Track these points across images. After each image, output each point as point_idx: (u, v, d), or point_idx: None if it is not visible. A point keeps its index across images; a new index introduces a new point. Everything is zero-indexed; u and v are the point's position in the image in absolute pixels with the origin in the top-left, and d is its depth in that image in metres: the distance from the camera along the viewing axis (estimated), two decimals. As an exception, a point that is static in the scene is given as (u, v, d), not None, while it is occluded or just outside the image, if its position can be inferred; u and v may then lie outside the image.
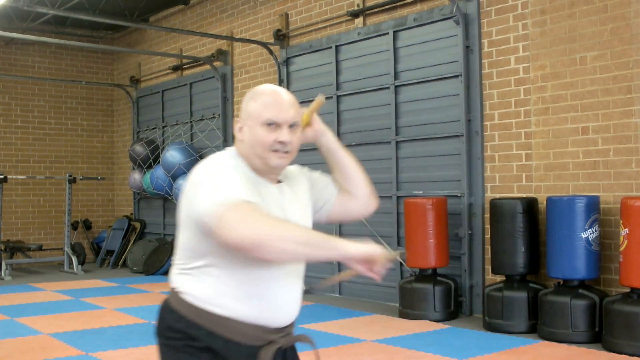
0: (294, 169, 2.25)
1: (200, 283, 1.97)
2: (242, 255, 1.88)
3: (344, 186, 2.26)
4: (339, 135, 8.29)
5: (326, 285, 2.12)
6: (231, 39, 9.68)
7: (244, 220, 1.78)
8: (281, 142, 1.99)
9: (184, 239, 2.03)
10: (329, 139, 2.27)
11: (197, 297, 1.96)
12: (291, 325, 2.11)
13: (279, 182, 2.12)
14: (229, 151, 2.07)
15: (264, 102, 2.03)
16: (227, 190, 1.85)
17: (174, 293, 2.03)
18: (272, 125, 2.00)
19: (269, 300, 1.98)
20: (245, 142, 2.03)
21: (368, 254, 1.83)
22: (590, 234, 5.68)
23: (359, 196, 2.27)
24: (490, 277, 6.67)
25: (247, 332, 1.96)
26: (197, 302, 1.96)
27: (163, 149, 10.94)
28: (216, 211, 1.82)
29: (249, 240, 1.77)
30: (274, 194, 2.04)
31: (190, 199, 1.95)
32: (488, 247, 6.62)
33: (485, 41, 6.86)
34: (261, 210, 1.84)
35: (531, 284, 6.14)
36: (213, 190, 1.86)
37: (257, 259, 1.86)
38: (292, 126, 2.03)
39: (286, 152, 2.02)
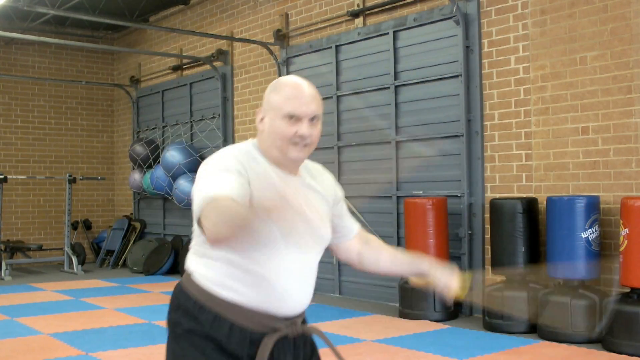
0: (319, 167, 2.28)
1: (210, 265, 2.01)
2: (249, 242, 1.95)
3: (366, 254, 2.33)
4: (339, 135, 8.30)
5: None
6: (231, 39, 9.68)
7: (209, 216, 1.80)
8: (301, 136, 2.01)
9: (195, 225, 2.05)
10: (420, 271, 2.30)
11: (208, 278, 2.01)
12: (300, 316, 2.11)
13: (298, 175, 2.15)
14: (248, 142, 2.12)
15: (286, 94, 2.03)
16: (211, 184, 1.87)
17: (186, 274, 2.09)
18: (293, 118, 2.01)
19: (276, 288, 2.00)
20: (265, 133, 2.06)
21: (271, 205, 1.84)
22: (590, 234, 5.68)
23: (362, 265, 2.36)
24: (490, 277, 6.67)
25: (252, 317, 1.99)
26: (207, 284, 2.01)
27: (163, 149, 10.94)
28: (199, 205, 1.85)
29: (208, 237, 1.80)
30: (295, 184, 2.08)
31: (193, 191, 1.99)
32: (488, 247, 6.62)
33: (485, 41, 6.86)
34: (228, 203, 1.79)
35: (531, 284, 6.14)
36: (202, 185, 1.90)
37: (257, 245, 1.96)
38: (312, 119, 2.04)
39: (305, 145, 2.04)
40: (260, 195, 1.88)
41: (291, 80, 2.08)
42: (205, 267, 2.03)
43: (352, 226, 2.32)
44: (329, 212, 2.20)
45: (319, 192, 2.16)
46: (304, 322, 2.16)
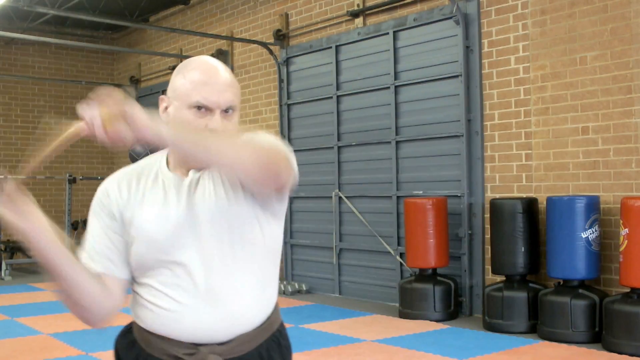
0: None
1: (134, 298, 1.77)
2: (143, 265, 1.68)
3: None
4: (339, 135, 8.30)
5: None
6: (231, 39, 9.68)
7: None
8: (212, 131, 1.62)
9: None
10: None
11: (131, 303, 1.79)
12: (220, 346, 1.66)
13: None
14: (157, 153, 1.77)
15: (194, 79, 1.64)
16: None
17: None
18: (202, 109, 1.63)
19: (173, 311, 1.65)
20: None
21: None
22: (590, 234, 5.67)
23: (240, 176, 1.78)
24: (490, 277, 6.67)
25: (157, 344, 1.69)
26: (130, 307, 1.79)
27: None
28: None
29: None
30: (178, 189, 1.67)
31: None
32: (488, 247, 6.62)
33: (485, 41, 6.86)
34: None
35: (531, 284, 6.14)
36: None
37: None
38: (227, 111, 1.66)
39: None
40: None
41: (202, 62, 1.68)
42: (133, 301, 1.79)
43: None
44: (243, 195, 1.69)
45: (213, 179, 1.68)
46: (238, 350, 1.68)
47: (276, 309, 1.78)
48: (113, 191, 1.70)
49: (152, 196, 1.67)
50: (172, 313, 1.64)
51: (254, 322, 1.68)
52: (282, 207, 1.73)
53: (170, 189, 1.67)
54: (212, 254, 1.63)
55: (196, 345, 1.64)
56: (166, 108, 1.69)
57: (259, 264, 1.69)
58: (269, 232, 1.70)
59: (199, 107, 1.63)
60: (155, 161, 1.74)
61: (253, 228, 1.67)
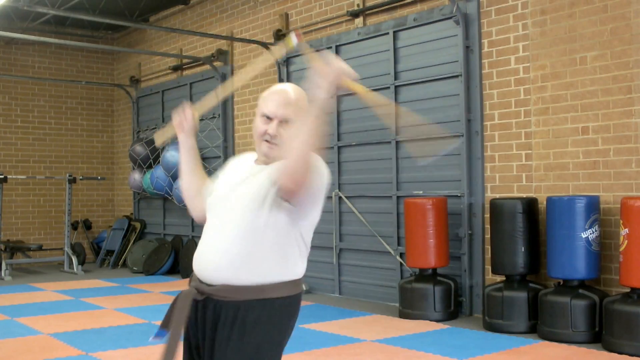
0: None
1: None
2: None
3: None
4: (339, 135, 8.30)
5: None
6: (231, 39, 9.68)
7: None
8: (269, 134, 2.29)
9: None
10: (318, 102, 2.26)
11: None
12: (216, 287, 2.23)
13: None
14: None
15: (265, 96, 2.35)
16: None
17: None
18: (265, 117, 2.31)
19: (199, 246, 2.32)
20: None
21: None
22: (590, 234, 5.68)
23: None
24: (490, 277, 6.67)
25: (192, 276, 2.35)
26: None
27: (163, 149, 10.94)
28: None
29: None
30: (250, 169, 2.36)
31: None
32: (488, 247, 6.62)
33: (485, 41, 6.86)
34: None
35: (531, 284, 6.14)
36: None
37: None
38: (283, 122, 2.29)
39: (275, 144, 2.29)
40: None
41: (279, 86, 2.39)
42: None
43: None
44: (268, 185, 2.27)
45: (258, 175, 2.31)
46: (232, 320, 2.22)
47: (278, 286, 2.24)
48: (231, 161, 2.52)
49: (231, 170, 2.45)
50: (198, 250, 2.32)
51: (237, 279, 2.20)
52: (299, 209, 2.23)
53: (242, 169, 2.38)
54: (228, 217, 2.26)
55: (201, 282, 2.28)
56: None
57: (254, 238, 2.21)
58: (273, 220, 2.21)
59: (263, 116, 2.31)
60: (252, 155, 2.43)
61: (261, 211, 2.21)
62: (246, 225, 2.21)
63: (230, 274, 2.19)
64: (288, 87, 2.37)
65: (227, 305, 2.19)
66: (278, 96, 2.32)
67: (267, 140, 2.28)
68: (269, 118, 2.29)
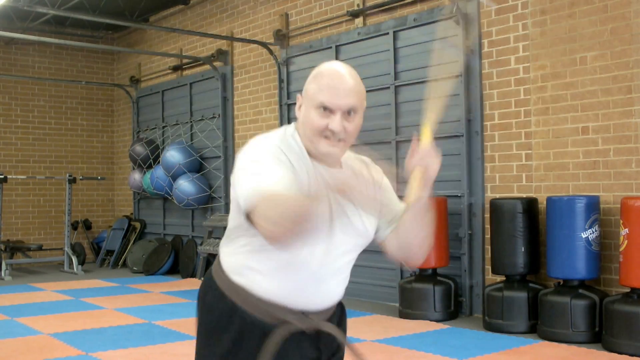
0: (358, 160, 2.15)
1: (235, 255, 1.97)
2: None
3: (397, 232, 2.13)
4: (339, 135, 8.29)
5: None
6: (231, 39, 9.68)
7: (268, 215, 1.70)
8: (332, 130, 1.88)
9: (232, 214, 1.99)
10: (424, 196, 2.08)
11: (230, 265, 1.97)
12: (322, 312, 1.98)
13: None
14: (284, 130, 1.98)
15: (321, 84, 1.91)
16: (262, 176, 1.77)
17: (215, 262, 2.06)
18: (326, 110, 1.88)
19: (293, 283, 1.91)
20: (300, 122, 1.95)
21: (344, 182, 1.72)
22: (590, 234, 5.68)
23: (404, 251, 2.14)
24: (490, 277, 6.67)
25: (264, 308, 1.90)
26: (228, 271, 1.97)
27: (163, 149, 10.94)
28: (251, 200, 1.76)
29: (269, 237, 1.71)
30: (343, 175, 1.86)
31: (235, 180, 1.89)
32: (488, 247, 6.62)
33: (485, 41, 6.86)
34: (287, 198, 1.71)
35: (531, 284, 6.14)
36: (250, 175, 1.80)
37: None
38: (349, 113, 1.91)
39: (339, 140, 1.91)
40: (308, 188, 1.81)
41: (332, 69, 1.94)
42: (230, 255, 1.99)
43: (399, 211, 2.14)
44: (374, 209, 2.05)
45: (367, 182, 1.88)
46: (339, 322, 2.07)
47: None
48: (287, 156, 1.92)
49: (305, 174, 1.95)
50: (299, 284, 1.95)
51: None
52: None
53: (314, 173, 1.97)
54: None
55: (304, 312, 1.94)
56: (300, 106, 1.97)
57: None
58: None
59: (323, 108, 1.88)
60: (290, 144, 1.95)
61: (362, 223, 2.03)
62: (355, 248, 2.08)
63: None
64: (343, 69, 1.93)
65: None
66: (339, 82, 1.89)
67: (327, 137, 1.88)
68: (331, 110, 1.88)
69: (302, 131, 1.93)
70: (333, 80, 1.89)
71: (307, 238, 1.76)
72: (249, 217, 1.81)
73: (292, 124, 2.00)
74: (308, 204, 1.67)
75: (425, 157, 1.99)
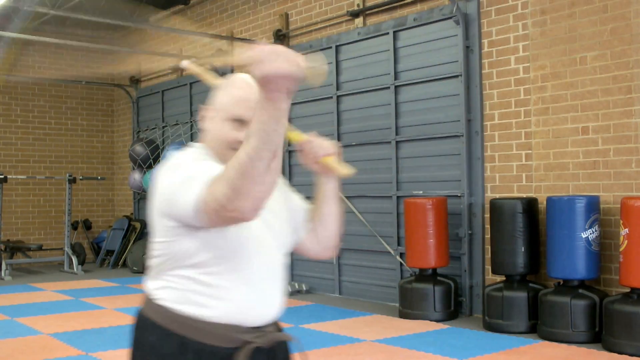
0: None
1: (174, 285, 1.84)
2: (220, 251, 1.77)
3: (314, 228, 2.05)
4: (339, 135, 8.30)
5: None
6: (231, 39, 9.68)
7: (223, 190, 1.56)
8: (241, 142, 1.65)
9: (160, 242, 1.86)
10: (333, 186, 2.03)
11: (169, 298, 1.84)
12: (272, 325, 1.92)
13: None
14: (196, 145, 1.89)
15: (234, 95, 1.84)
16: (196, 175, 1.68)
17: (146, 300, 1.91)
18: (237, 122, 1.82)
19: (242, 298, 1.81)
20: (208, 134, 1.87)
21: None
22: (590, 234, 5.68)
23: (323, 244, 2.07)
24: (490, 277, 6.67)
25: (219, 332, 1.79)
26: (168, 304, 1.83)
27: (163, 149, 10.95)
28: (198, 196, 1.65)
29: (237, 207, 1.57)
30: None
31: (164, 203, 1.77)
32: (488, 247, 6.62)
33: (485, 41, 6.86)
34: (229, 165, 1.58)
35: (531, 284, 6.14)
36: (186, 182, 1.69)
37: (235, 245, 1.77)
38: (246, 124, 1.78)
39: None
40: None
41: (243, 80, 1.86)
42: (166, 287, 1.86)
43: (306, 224, 2.06)
44: (287, 213, 2.01)
45: (279, 201, 1.95)
46: (279, 329, 1.99)
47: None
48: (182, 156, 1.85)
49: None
50: (244, 302, 1.84)
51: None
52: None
53: None
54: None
55: (256, 328, 1.85)
56: (207, 118, 1.89)
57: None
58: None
59: (234, 120, 1.82)
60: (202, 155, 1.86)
61: (282, 233, 1.96)
62: (283, 257, 1.99)
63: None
64: (250, 80, 1.83)
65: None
66: (250, 93, 1.80)
67: (235, 149, 1.66)
68: (243, 122, 1.80)
69: (212, 144, 1.85)
70: (245, 92, 1.83)
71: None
72: (202, 220, 1.68)
73: (196, 144, 1.91)
74: (250, 149, 1.52)
75: (316, 146, 1.93)
